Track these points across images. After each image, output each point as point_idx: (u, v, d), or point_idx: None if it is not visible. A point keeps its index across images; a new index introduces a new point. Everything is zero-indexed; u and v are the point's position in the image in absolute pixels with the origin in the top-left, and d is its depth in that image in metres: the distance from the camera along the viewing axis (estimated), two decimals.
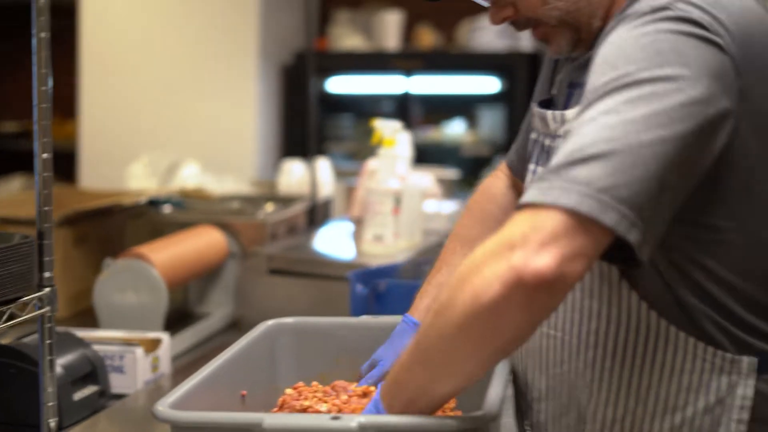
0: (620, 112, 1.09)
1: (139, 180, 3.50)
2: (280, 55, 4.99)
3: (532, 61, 4.79)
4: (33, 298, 1.57)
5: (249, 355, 1.57)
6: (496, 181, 1.69)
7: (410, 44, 5.24)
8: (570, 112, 1.33)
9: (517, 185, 1.63)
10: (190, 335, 2.33)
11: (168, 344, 2.11)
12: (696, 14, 1.15)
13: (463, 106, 5.28)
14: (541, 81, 1.54)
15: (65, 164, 5.17)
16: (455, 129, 5.13)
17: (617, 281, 1.26)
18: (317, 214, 3.07)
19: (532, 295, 1.05)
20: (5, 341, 1.84)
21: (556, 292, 1.07)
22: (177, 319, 2.39)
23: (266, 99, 4.86)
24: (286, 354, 1.66)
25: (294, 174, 3.40)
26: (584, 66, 1.34)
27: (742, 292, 1.24)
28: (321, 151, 4.86)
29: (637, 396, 1.28)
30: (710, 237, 1.21)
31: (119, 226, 2.69)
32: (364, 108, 5.50)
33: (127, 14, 4.80)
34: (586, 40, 1.34)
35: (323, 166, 3.34)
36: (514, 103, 4.84)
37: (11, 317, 1.53)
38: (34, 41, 1.52)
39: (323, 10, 5.45)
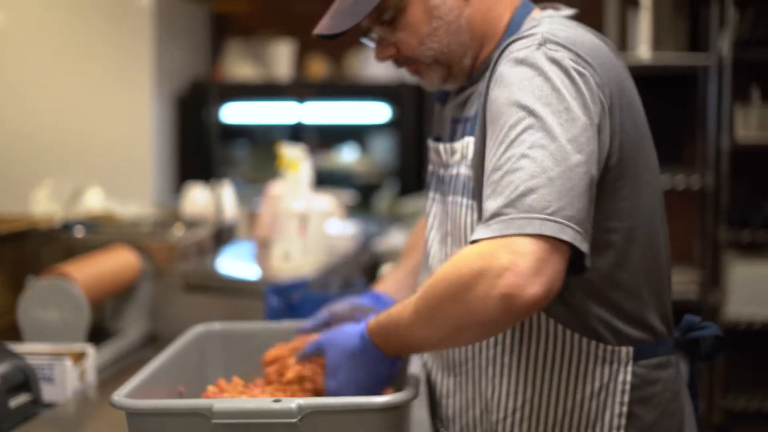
0: (545, 146, 1.29)
1: (44, 205, 3.56)
2: (174, 84, 5.12)
3: (419, 91, 5.00)
4: None
5: (182, 356, 1.72)
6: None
7: (302, 73, 5.39)
8: (457, 144, 1.53)
9: None
10: (110, 349, 2.44)
11: (93, 356, 2.22)
12: (563, 53, 1.36)
13: (355, 133, 5.46)
14: (435, 121, 1.74)
15: None
16: (348, 155, 5.32)
17: None
18: (223, 235, 3.22)
19: (524, 315, 1.25)
20: None
21: (542, 307, 1.26)
22: (93, 335, 2.50)
23: (161, 126, 4.98)
24: (214, 355, 1.82)
25: (197, 198, 3.54)
26: (463, 104, 1.56)
27: (625, 286, 1.45)
28: (218, 178, 5.00)
29: (533, 386, 1.46)
30: (598, 238, 1.40)
31: (34, 249, 2.78)
32: (258, 135, 5.65)
33: (23, 41, 4.86)
34: (457, 75, 1.56)
35: (227, 190, 3.49)
36: (404, 130, 5.06)
37: None
38: None
39: (215, 39, 5.59)
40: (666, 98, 5.17)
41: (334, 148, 5.40)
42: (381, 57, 1.58)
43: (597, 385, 1.45)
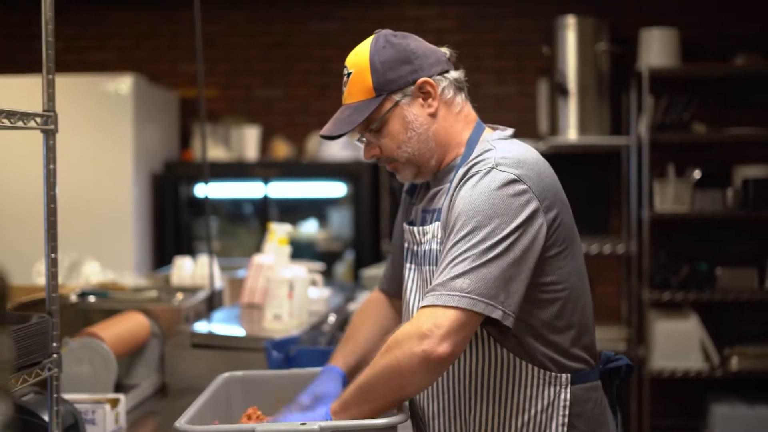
0: (476, 246, 1.79)
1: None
2: (149, 163, 5.57)
3: (373, 169, 5.50)
4: (48, 362, 2.10)
5: (214, 398, 2.16)
6: (371, 304, 2.39)
7: (267, 154, 5.83)
8: (429, 227, 2.02)
9: (392, 301, 2.35)
10: (133, 397, 2.88)
11: (124, 402, 2.66)
12: (510, 172, 1.85)
13: (315, 208, 5.90)
14: (403, 208, 2.26)
15: None
16: (309, 228, 5.79)
17: (481, 333, 1.93)
18: (213, 301, 3.67)
19: (436, 369, 1.75)
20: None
21: (449, 364, 1.77)
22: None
23: (139, 203, 5.42)
24: (237, 396, 2.27)
25: (185, 268, 3.99)
26: (432, 199, 2.08)
27: (561, 330, 1.93)
28: (191, 250, 5.42)
29: (500, 404, 1.94)
30: (539, 297, 1.90)
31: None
32: (228, 211, 6.09)
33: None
34: (425, 173, 2.07)
35: (214, 261, 3.94)
36: (359, 204, 5.51)
37: (31, 375, 2.01)
38: None
39: (184, 125, 6.06)
40: (593, 174, 5.78)
41: (298, 221, 5.83)
42: (367, 156, 2.08)
43: (546, 402, 1.93)
